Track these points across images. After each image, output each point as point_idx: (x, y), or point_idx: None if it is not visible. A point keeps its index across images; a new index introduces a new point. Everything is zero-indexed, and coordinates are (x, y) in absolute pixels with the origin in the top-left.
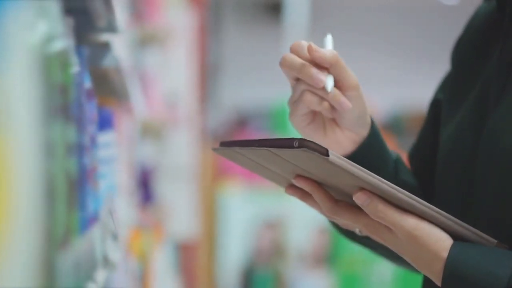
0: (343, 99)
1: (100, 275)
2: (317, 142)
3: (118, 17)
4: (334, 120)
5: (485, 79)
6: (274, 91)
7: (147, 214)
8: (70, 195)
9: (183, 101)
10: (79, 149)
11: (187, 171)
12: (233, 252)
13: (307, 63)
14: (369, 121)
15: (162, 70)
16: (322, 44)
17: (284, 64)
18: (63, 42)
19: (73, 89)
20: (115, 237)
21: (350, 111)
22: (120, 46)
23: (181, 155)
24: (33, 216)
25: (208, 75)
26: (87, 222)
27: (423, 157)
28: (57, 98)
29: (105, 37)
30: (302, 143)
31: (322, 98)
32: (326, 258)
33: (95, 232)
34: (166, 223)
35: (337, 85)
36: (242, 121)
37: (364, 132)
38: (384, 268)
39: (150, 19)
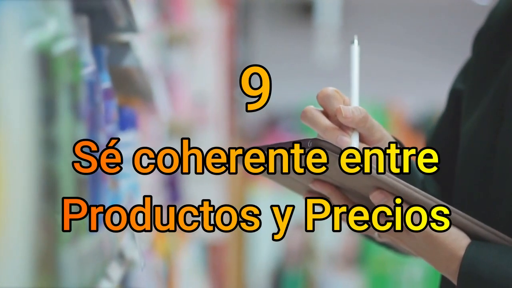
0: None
1: (115, 272)
2: None
3: (138, 17)
4: None
5: (504, 76)
6: (304, 92)
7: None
8: (79, 192)
9: (211, 101)
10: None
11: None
12: (263, 253)
13: (331, 126)
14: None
15: (190, 71)
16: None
17: (306, 119)
18: (72, 41)
19: (83, 88)
20: (132, 235)
21: None
22: (143, 46)
23: None
24: (32, 213)
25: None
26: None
27: (440, 148)
28: (63, 97)
29: (125, 37)
30: (316, 143)
31: None
32: (356, 259)
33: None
34: None
35: (363, 140)
36: (272, 122)
37: None
38: (415, 268)
39: (179, 20)
